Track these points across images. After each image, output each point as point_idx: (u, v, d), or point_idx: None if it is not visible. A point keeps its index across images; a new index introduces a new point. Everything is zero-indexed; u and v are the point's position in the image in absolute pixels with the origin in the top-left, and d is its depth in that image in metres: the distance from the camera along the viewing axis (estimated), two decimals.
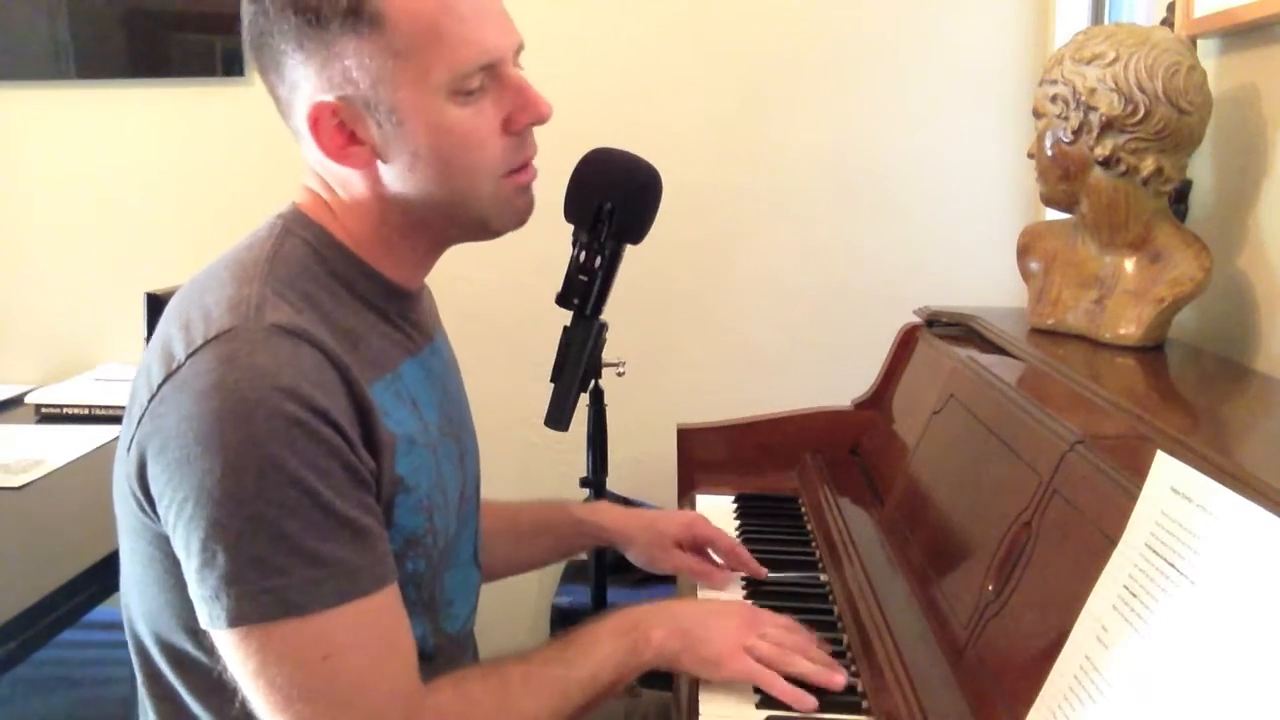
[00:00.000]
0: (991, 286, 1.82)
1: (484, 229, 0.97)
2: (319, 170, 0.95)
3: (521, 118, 0.92)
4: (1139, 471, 0.77)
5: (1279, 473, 0.75)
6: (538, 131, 0.96)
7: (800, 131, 2.14)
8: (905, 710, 0.90)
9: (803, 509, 1.47)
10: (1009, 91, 2.07)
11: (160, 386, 0.83)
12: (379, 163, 0.91)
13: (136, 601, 0.93)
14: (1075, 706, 0.73)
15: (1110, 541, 0.77)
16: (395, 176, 0.91)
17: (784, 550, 1.34)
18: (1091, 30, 1.28)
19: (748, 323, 2.21)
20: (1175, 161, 1.23)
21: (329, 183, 0.95)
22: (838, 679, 0.98)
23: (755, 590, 1.23)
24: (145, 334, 1.62)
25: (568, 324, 1.13)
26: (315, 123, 0.88)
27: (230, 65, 2.24)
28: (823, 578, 1.25)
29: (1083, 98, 1.22)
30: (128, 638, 0.95)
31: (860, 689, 0.99)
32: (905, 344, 1.58)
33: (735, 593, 1.23)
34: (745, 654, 0.98)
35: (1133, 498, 0.76)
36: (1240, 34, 1.29)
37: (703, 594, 1.24)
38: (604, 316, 1.13)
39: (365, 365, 0.89)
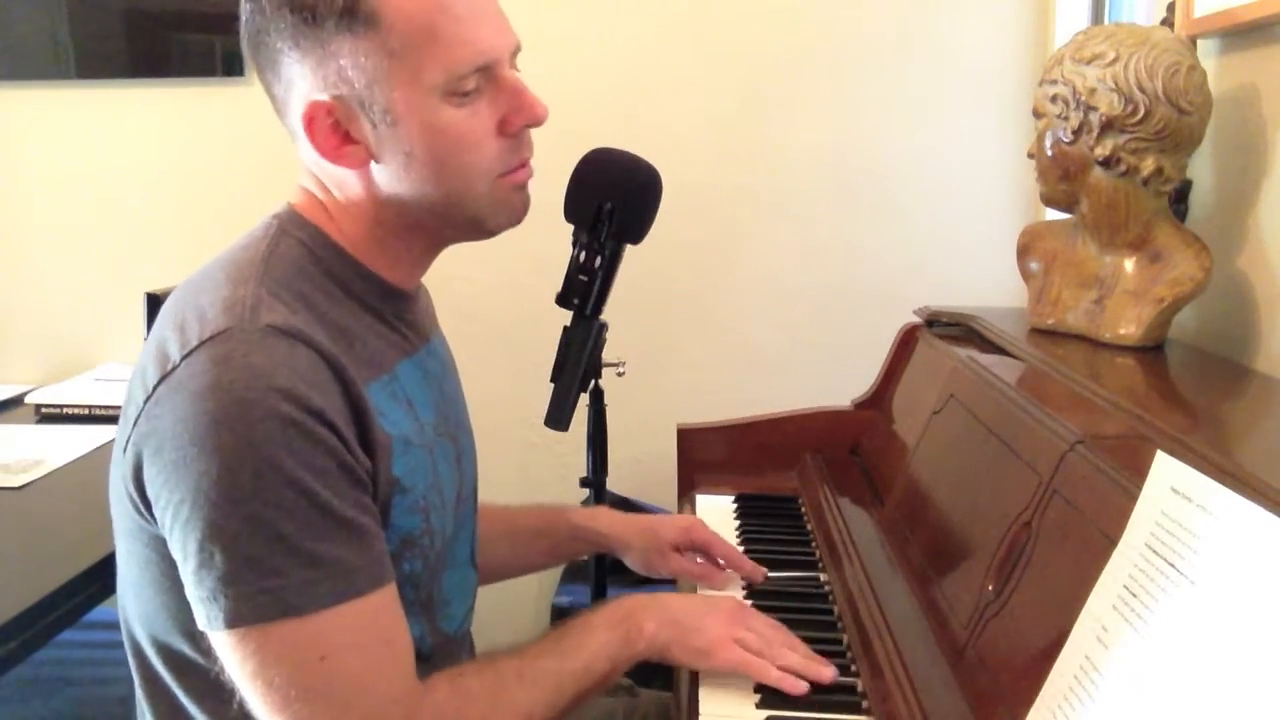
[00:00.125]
0: (991, 286, 1.82)
1: (479, 229, 0.97)
2: (314, 170, 0.95)
3: (517, 119, 0.92)
4: (1139, 471, 0.77)
5: (1279, 473, 0.75)
6: (539, 130, 0.95)
7: (800, 131, 2.14)
8: (905, 710, 0.90)
9: (803, 509, 1.47)
10: (1009, 91, 2.07)
11: (155, 388, 0.83)
12: (373, 163, 0.90)
13: (133, 604, 0.93)
14: (1075, 706, 0.73)
15: (1110, 541, 0.77)
16: (390, 177, 0.91)
17: (784, 550, 1.34)
18: (1091, 30, 1.28)
19: (748, 323, 2.21)
20: (1175, 161, 1.23)
21: (324, 183, 0.95)
22: (826, 672, 0.99)
23: (755, 590, 1.23)
24: (145, 334, 1.62)
25: (568, 324, 1.13)
26: (310, 122, 0.88)
27: (230, 65, 2.24)
28: (823, 578, 1.25)
29: (1083, 98, 1.22)
30: (124, 640, 0.95)
31: (860, 689, 0.99)
32: (905, 344, 1.58)
33: (736, 592, 1.23)
34: (735, 644, 0.99)
35: (1133, 498, 0.76)
36: (1240, 34, 1.29)
37: (703, 594, 1.24)
38: (604, 316, 1.13)
39: (361, 366, 0.89)
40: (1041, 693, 0.77)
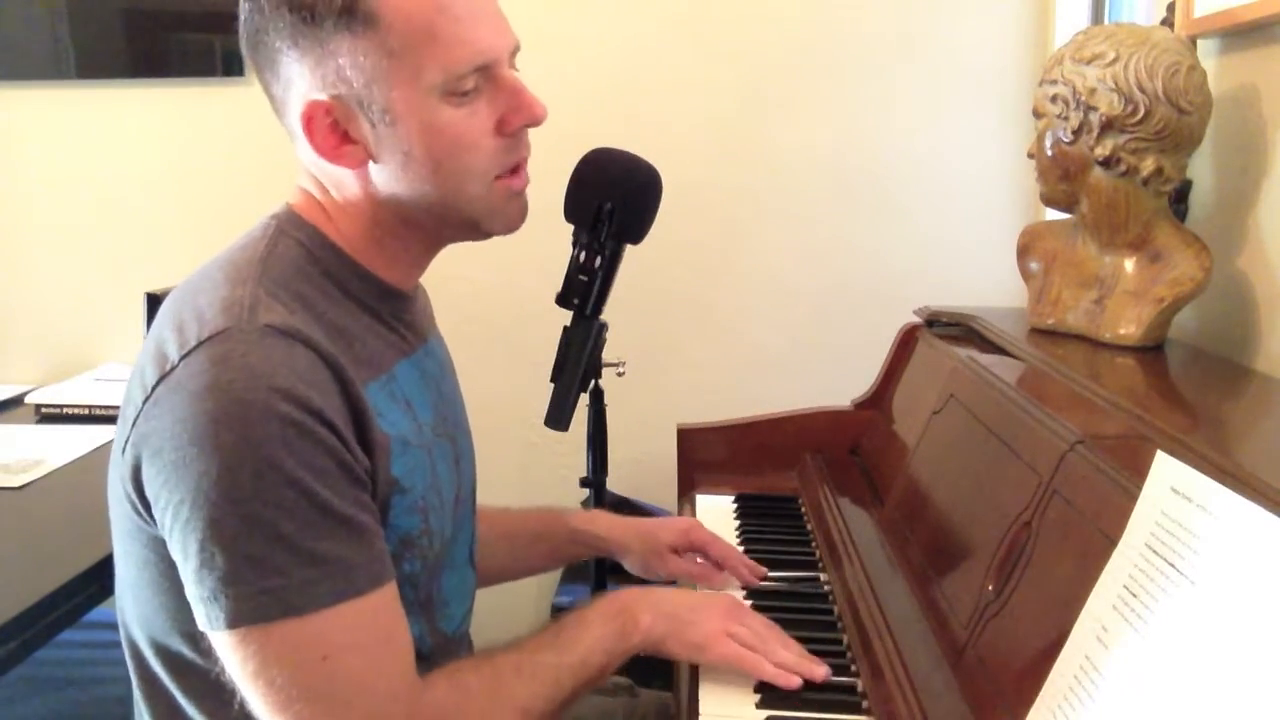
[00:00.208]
0: (991, 286, 1.82)
1: (475, 230, 0.96)
2: (313, 170, 0.95)
3: (515, 119, 0.92)
4: (1139, 471, 0.77)
5: (1279, 473, 0.75)
6: (539, 131, 0.95)
7: (800, 131, 2.14)
8: (905, 710, 0.90)
9: (803, 509, 1.47)
10: (1009, 91, 2.07)
11: (154, 388, 0.83)
12: (372, 163, 0.90)
13: (131, 605, 0.92)
14: (1075, 706, 0.73)
15: (1110, 541, 0.77)
16: (388, 177, 0.91)
17: (784, 550, 1.34)
18: (1091, 30, 1.28)
19: (748, 323, 2.21)
20: (1175, 161, 1.23)
21: (323, 183, 0.95)
22: (819, 670, 0.99)
23: (755, 590, 1.23)
24: (145, 334, 1.62)
25: (568, 324, 1.13)
26: (309, 121, 0.88)
27: (230, 65, 2.24)
28: (823, 578, 1.25)
29: (1083, 98, 1.22)
30: (123, 641, 0.95)
31: (860, 689, 0.99)
32: (905, 344, 1.58)
33: (735, 591, 1.23)
34: (730, 639, 0.99)
35: (1133, 498, 0.76)
36: (1240, 34, 1.29)
37: (700, 590, 1.24)
38: (604, 316, 1.13)
39: (359, 366, 0.89)
40: (1041, 693, 0.77)
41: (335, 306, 0.92)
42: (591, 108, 2.02)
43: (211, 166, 2.26)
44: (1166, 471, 0.73)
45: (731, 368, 2.21)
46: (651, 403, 1.99)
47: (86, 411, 2.01)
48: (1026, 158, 1.36)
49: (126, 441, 0.85)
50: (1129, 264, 1.29)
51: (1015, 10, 2.07)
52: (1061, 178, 1.29)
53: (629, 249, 1.11)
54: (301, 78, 0.88)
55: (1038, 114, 1.31)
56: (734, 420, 1.63)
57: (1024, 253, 1.45)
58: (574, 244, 1.10)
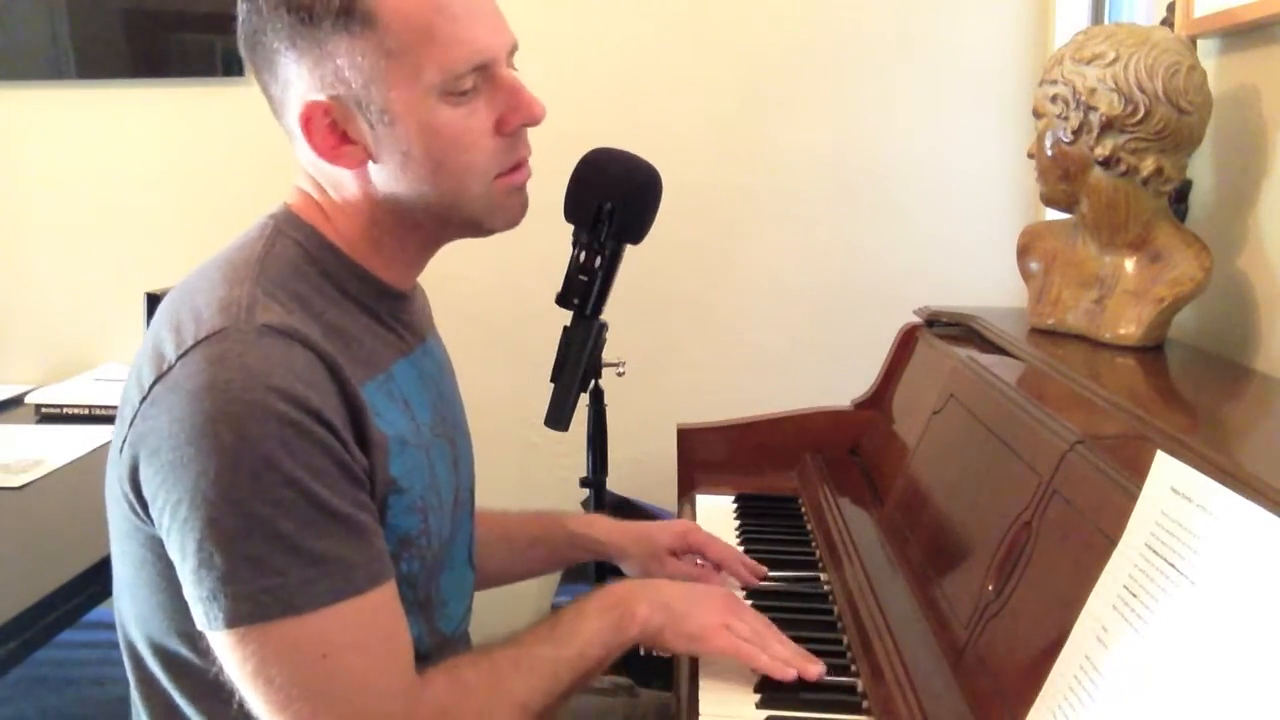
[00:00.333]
0: (991, 286, 1.82)
1: (476, 229, 0.96)
2: (311, 170, 0.95)
3: (513, 119, 0.92)
4: (1139, 471, 0.77)
5: (1279, 473, 0.75)
6: (538, 131, 0.95)
7: (800, 131, 2.14)
8: (905, 710, 0.90)
9: (803, 509, 1.47)
10: (1009, 91, 2.07)
11: (151, 388, 0.83)
12: (370, 163, 0.90)
13: (129, 605, 0.92)
14: (1075, 706, 0.73)
15: (1110, 541, 0.77)
16: (387, 177, 0.91)
17: (784, 550, 1.34)
18: (1091, 30, 1.28)
19: (748, 323, 2.21)
20: (1175, 161, 1.23)
21: (321, 183, 0.95)
22: (813, 669, 0.99)
23: (755, 589, 1.23)
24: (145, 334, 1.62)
25: (568, 324, 1.13)
26: (307, 122, 0.88)
27: (230, 65, 2.24)
28: (823, 578, 1.25)
29: (1083, 98, 1.22)
30: (120, 642, 0.95)
31: (860, 689, 0.99)
32: (905, 344, 1.58)
33: (736, 592, 1.23)
34: (726, 631, 1.00)
35: (1133, 498, 0.76)
36: (1240, 34, 1.29)
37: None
38: (604, 316, 1.13)
39: (357, 365, 0.89)
40: (1041, 693, 0.77)
41: (333, 306, 0.92)
42: (591, 108, 2.02)
43: (211, 166, 2.26)
44: (1166, 471, 0.73)
45: (731, 368, 2.21)
46: (651, 403, 1.99)
47: (86, 411, 2.01)
48: (1026, 158, 1.36)
49: (124, 441, 0.85)
50: (1129, 264, 1.29)
51: (1015, 10, 2.07)
52: (1061, 178, 1.29)
53: (629, 249, 1.11)
54: (300, 78, 0.88)
55: (1038, 114, 1.31)
56: (734, 420, 1.63)
57: (1024, 253, 1.45)
58: (574, 244, 1.10)
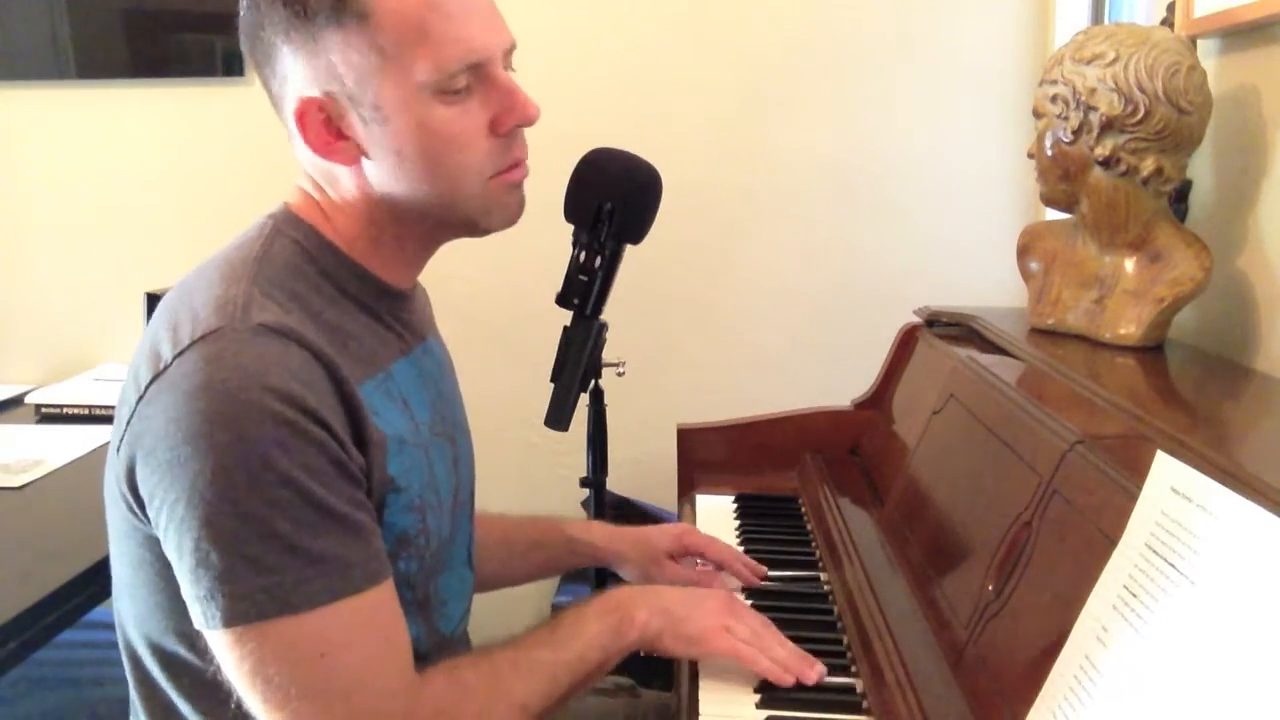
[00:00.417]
0: (991, 286, 1.82)
1: (473, 228, 0.96)
2: (308, 168, 0.95)
3: (507, 120, 0.91)
4: (1139, 471, 0.77)
5: (1279, 473, 0.75)
6: (538, 130, 0.95)
7: (800, 131, 2.14)
8: (905, 710, 0.90)
9: (803, 509, 1.47)
10: (1009, 91, 2.07)
11: (148, 387, 0.83)
12: (364, 160, 0.90)
13: (127, 605, 0.92)
14: (1075, 706, 0.73)
15: (1110, 541, 0.76)
16: (381, 175, 0.91)
17: (784, 550, 1.34)
18: (1091, 30, 1.28)
19: (748, 323, 2.21)
20: (1175, 161, 1.23)
21: (319, 181, 0.95)
22: (811, 673, 0.99)
23: (755, 589, 1.23)
24: None
25: (568, 324, 1.13)
26: (302, 117, 0.88)
27: (230, 65, 2.24)
28: (823, 577, 1.25)
29: (1083, 98, 1.22)
30: (119, 642, 0.95)
31: (860, 689, 0.99)
32: (905, 344, 1.58)
33: (735, 590, 1.23)
34: (726, 633, 0.99)
35: (1133, 498, 0.76)
36: (1240, 34, 1.29)
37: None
38: (604, 316, 1.13)
39: (355, 364, 0.89)
40: (1041, 693, 0.77)
41: (331, 305, 0.91)
42: (591, 108, 2.02)
43: (211, 166, 2.26)
44: (1166, 471, 0.73)
45: (731, 368, 2.21)
46: (651, 403, 1.99)
47: (86, 411, 2.01)
48: (1026, 158, 1.36)
49: (121, 440, 0.85)
50: (1129, 264, 1.29)
51: (1015, 10, 2.07)
52: (1061, 178, 1.29)
53: (629, 249, 1.11)
54: (295, 73, 0.88)
55: (1038, 114, 1.31)
56: (734, 420, 1.63)
57: (1024, 253, 1.45)
58: (574, 244, 1.09)
